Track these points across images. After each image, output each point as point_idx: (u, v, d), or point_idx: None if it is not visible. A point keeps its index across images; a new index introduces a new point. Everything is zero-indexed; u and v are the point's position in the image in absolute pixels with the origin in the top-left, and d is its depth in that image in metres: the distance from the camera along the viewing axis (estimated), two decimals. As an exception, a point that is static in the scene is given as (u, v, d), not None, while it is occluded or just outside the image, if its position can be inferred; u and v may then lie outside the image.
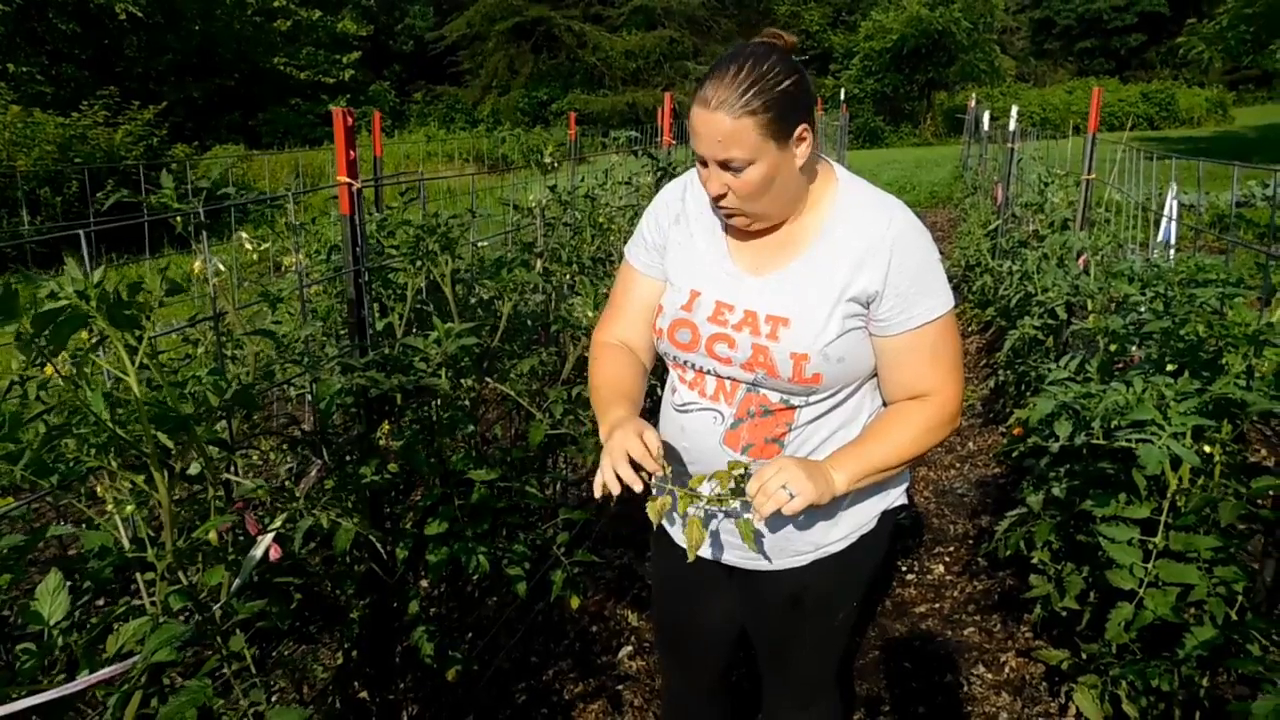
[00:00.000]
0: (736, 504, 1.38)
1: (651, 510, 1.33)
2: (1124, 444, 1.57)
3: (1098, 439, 1.74)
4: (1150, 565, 1.77)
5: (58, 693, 1.00)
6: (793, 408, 1.45)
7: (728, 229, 1.51)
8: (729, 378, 1.47)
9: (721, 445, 1.49)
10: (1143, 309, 1.94)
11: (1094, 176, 3.46)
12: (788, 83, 1.30)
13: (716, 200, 1.39)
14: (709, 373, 1.49)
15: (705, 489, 1.41)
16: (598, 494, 1.34)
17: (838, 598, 1.64)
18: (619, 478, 1.31)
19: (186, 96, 21.38)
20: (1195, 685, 1.85)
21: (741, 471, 1.36)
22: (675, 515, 1.61)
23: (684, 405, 1.53)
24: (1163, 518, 1.75)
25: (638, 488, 1.31)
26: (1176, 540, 1.74)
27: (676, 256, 1.54)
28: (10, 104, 11.73)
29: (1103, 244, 2.73)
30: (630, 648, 2.77)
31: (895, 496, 1.61)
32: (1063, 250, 3.35)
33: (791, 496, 1.29)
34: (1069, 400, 1.79)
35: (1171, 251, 2.75)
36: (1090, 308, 2.44)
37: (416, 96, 29.38)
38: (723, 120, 1.29)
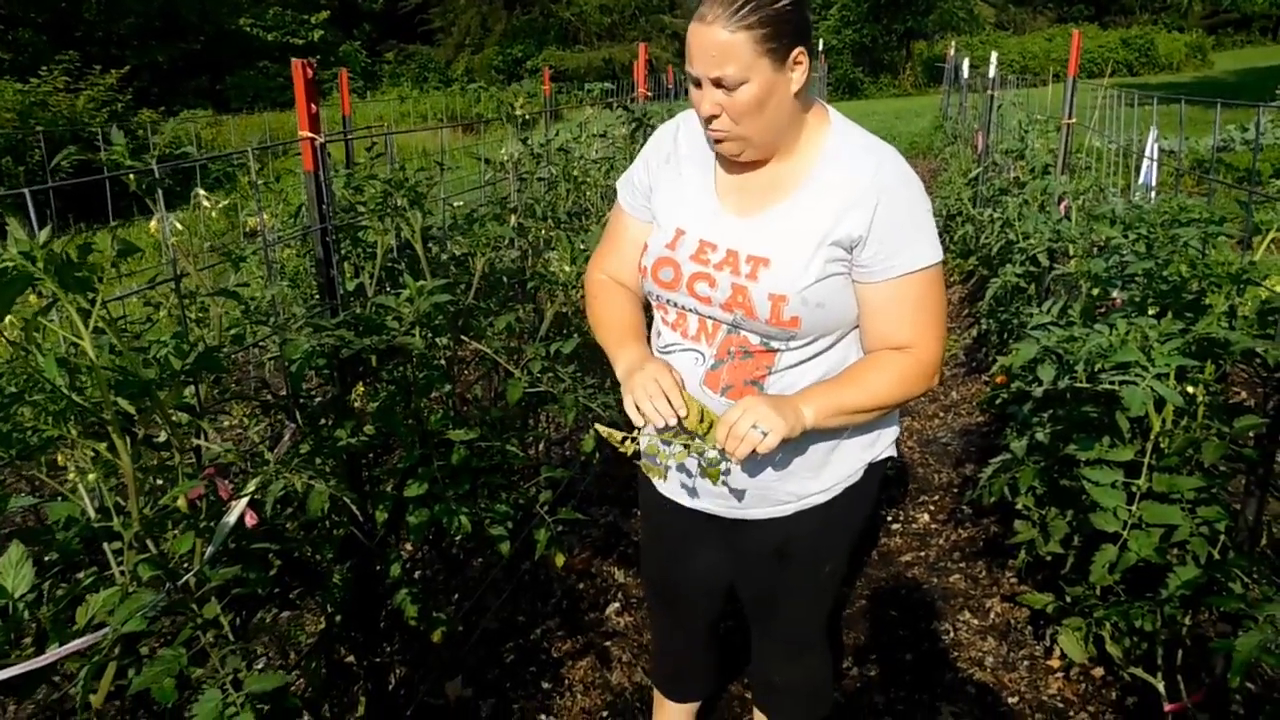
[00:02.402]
0: (713, 453, 1.36)
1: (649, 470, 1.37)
2: (1107, 386, 1.57)
3: (1081, 382, 1.73)
4: (1134, 507, 1.78)
5: (25, 667, 0.97)
6: (773, 351, 1.44)
7: (718, 167, 1.49)
8: (710, 318, 1.46)
9: (701, 386, 1.49)
10: (1125, 251, 1.93)
11: (1074, 121, 3.42)
12: (786, 2, 1.28)
13: (708, 122, 1.36)
14: (690, 311, 1.48)
15: (675, 446, 1.41)
16: (637, 423, 1.38)
17: (823, 549, 1.64)
18: (656, 410, 1.35)
19: (150, 61, 20.76)
20: (1178, 624, 1.87)
21: (710, 423, 1.36)
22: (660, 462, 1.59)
23: (666, 347, 1.53)
24: (1146, 460, 1.75)
25: (672, 421, 1.34)
26: (1160, 482, 1.75)
27: (664, 196, 1.52)
28: (-36, 71, 11.35)
29: (1084, 188, 2.70)
30: (618, 604, 2.78)
31: (882, 449, 1.60)
32: (1044, 196, 3.33)
33: (764, 435, 1.29)
34: (1052, 344, 1.78)
35: (1152, 195, 2.73)
36: (1072, 252, 2.43)
37: (388, 57, 28.69)
38: (718, 34, 1.27)
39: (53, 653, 0.99)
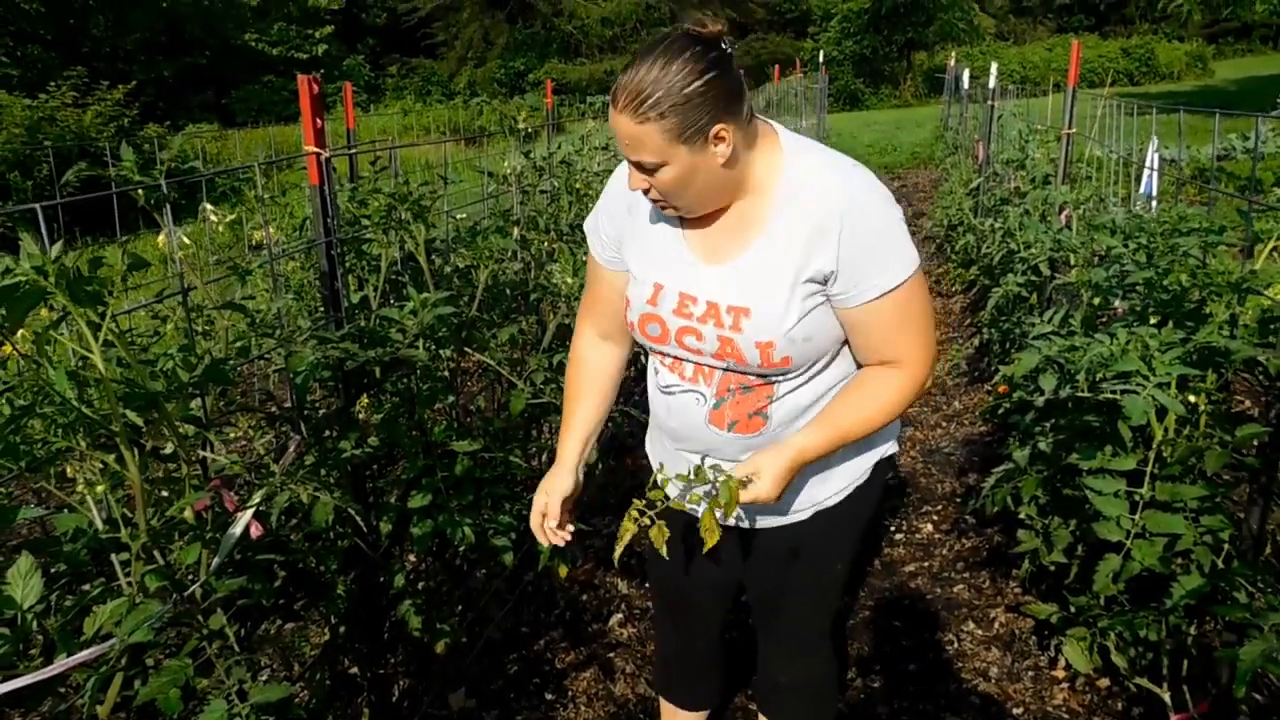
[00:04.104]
0: (703, 504, 1.38)
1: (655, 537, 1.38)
2: (1109, 396, 1.57)
3: (1083, 392, 1.73)
4: (1137, 516, 1.77)
5: (34, 677, 0.98)
6: (771, 383, 1.45)
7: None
8: (704, 364, 1.48)
9: (707, 424, 1.50)
10: (1125, 261, 1.93)
11: (1074, 131, 3.44)
12: (698, 84, 1.23)
13: (645, 194, 1.37)
14: (685, 359, 1.50)
15: (673, 490, 1.44)
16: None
17: (834, 549, 1.67)
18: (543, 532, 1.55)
19: (157, 75, 20.93)
20: (1182, 634, 1.87)
21: (709, 483, 1.37)
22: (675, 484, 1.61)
23: (667, 388, 1.54)
24: (1149, 469, 1.75)
25: (559, 541, 1.54)
26: (1163, 491, 1.75)
27: (634, 249, 1.51)
28: (-25, 87, 11.45)
29: (1085, 198, 2.71)
30: (621, 615, 2.78)
31: (887, 447, 1.63)
32: (1044, 206, 3.34)
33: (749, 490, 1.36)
34: (1053, 354, 1.79)
35: (1153, 204, 2.74)
36: (1073, 262, 2.43)
37: (391, 70, 28.87)
38: (627, 123, 1.26)
39: (60, 663, 0.99)
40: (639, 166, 1.31)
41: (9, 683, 0.94)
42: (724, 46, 1.28)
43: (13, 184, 10.05)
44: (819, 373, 1.47)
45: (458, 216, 2.57)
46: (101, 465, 1.12)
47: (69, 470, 1.16)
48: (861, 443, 1.52)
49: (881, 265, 1.34)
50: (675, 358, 1.51)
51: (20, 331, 0.96)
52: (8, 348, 0.95)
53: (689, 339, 1.45)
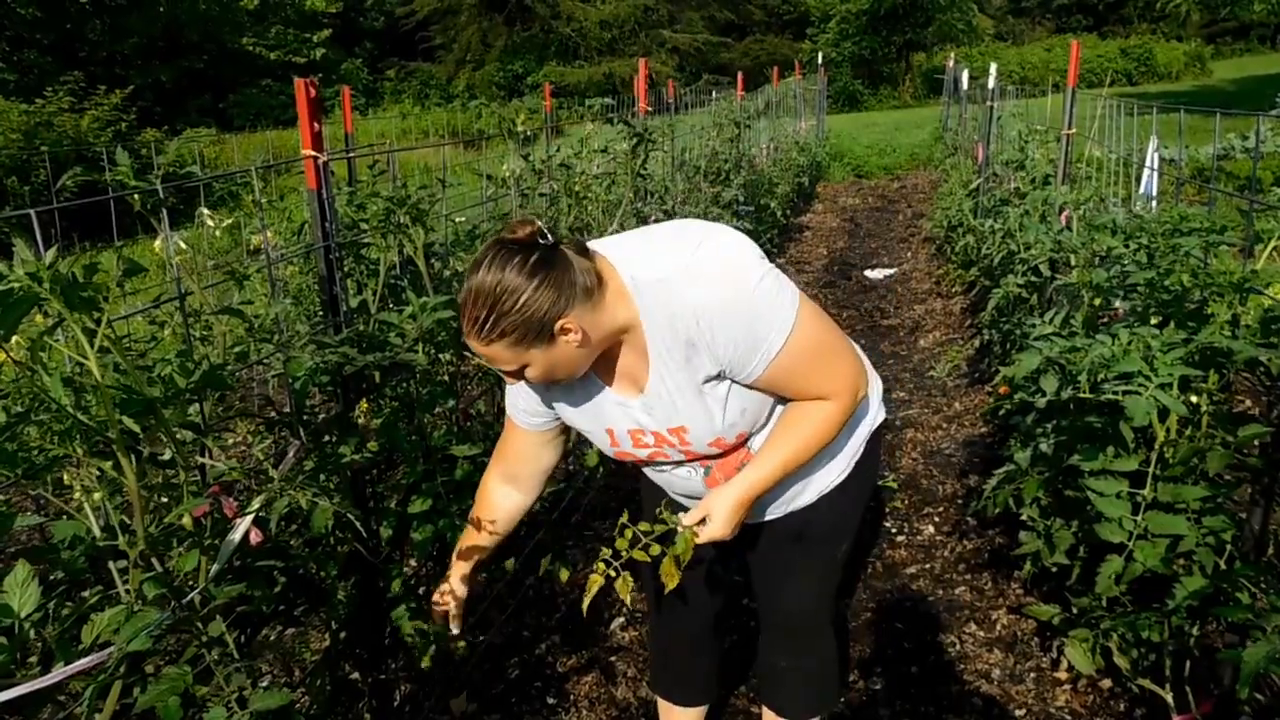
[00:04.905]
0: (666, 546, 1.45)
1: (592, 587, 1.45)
2: (1111, 396, 1.56)
3: (1084, 393, 1.73)
4: (1139, 518, 1.77)
5: (31, 686, 0.97)
6: (745, 441, 1.54)
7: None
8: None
9: (705, 488, 1.59)
10: (1126, 261, 1.93)
11: (1074, 131, 3.43)
12: (526, 294, 1.25)
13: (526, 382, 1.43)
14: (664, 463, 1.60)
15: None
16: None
17: (841, 528, 1.73)
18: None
19: (154, 80, 20.93)
20: (1185, 635, 1.86)
21: (668, 528, 1.45)
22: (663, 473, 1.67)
23: (661, 469, 1.63)
24: (1151, 469, 1.74)
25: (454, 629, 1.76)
26: (1165, 491, 1.75)
27: (565, 410, 1.57)
28: (-29, 92, 11.45)
29: (1085, 198, 2.71)
30: (622, 619, 2.77)
31: (875, 417, 1.68)
32: (1044, 206, 3.33)
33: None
34: (1054, 355, 1.78)
35: (1153, 204, 2.74)
36: (1073, 263, 2.43)
37: (389, 74, 28.87)
38: (476, 345, 1.32)
39: (58, 672, 0.98)
40: (504, 373, 1.38)
41: (7, 691, 0.93)
42: (542, 241, 1.30)
43: (9, 189, 10.04)
44: (775, 407, 1.53)
45: (457, 220, 2.57)
46: (99, 472, 1.11)
47: (66, 477, 1.16)
48: (850, 420, 1.56)
49: (757, 343, 1.36)
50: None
51: (15, 338, 0.95)
52: (2, 355, 0.94)
53: (658, 458, 1.56)
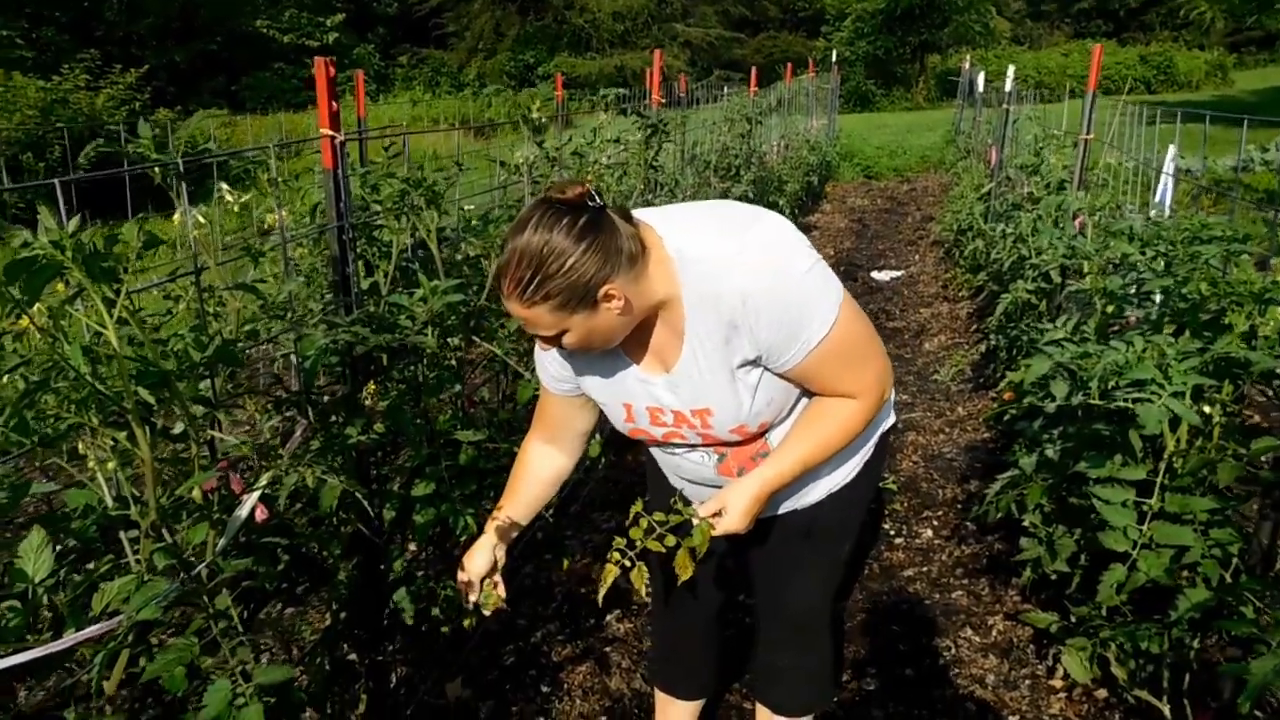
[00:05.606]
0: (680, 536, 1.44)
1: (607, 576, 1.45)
2: (1122, 404, 1.56)
3: (1094, 399, 1.72)
4: (1145, 527, 1.77)
5: (43, 651, 0.97)
6: (763, 432, 1.52)
7: None
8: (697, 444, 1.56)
9: (717, 475, 1.57)
10: (1142, 268, 1.92)
11: (1092, 137, 3.42)
12: (571, 260, 1.23)
13: (559, 349, 1.41)
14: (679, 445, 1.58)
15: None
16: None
17: (847, 526, 1.73)
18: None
19: (168, 60, 20.91)
20: (1186, 647, 1.86)
21: (683, 520, 1.44)
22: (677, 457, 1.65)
23: (673, 452, 1.60)
24: (1159, 479, 1.74)
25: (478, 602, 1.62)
26: (1172, 502, 1.74)
27: (591, 381, 1.55)
28: (-11, 68, 11.45)
29: (1102, 204, 2.69)
30: (618, 610, 2.78)
31: (888, 421, 1.68)
32: (1058, 212, 3.32)
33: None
34: (1065, 360, 1.78)
35: (1167, 213, 2.73)
36: (1087, 269, 2.42)
37: (401, 60, 28.79)
38: (516, 307, 1.29)
39: (70, 637, 0.99)
40: (541, 338, 1.35)
41: (19, 655, 0.93)
42: (591, 204, 1.27)
43: (25, 165, 10.05)
44: (799, 400, 1.52)
45: (466, 208, 2.56)
46: (113, 442, 1.11)
47: (81, 447, 1.16)
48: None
49: (798, 332, 1.35)
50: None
51: (35, 306, 0.95)
52: (24, 321, 0.95)
53: (674, 438, 1.54)
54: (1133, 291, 1.97)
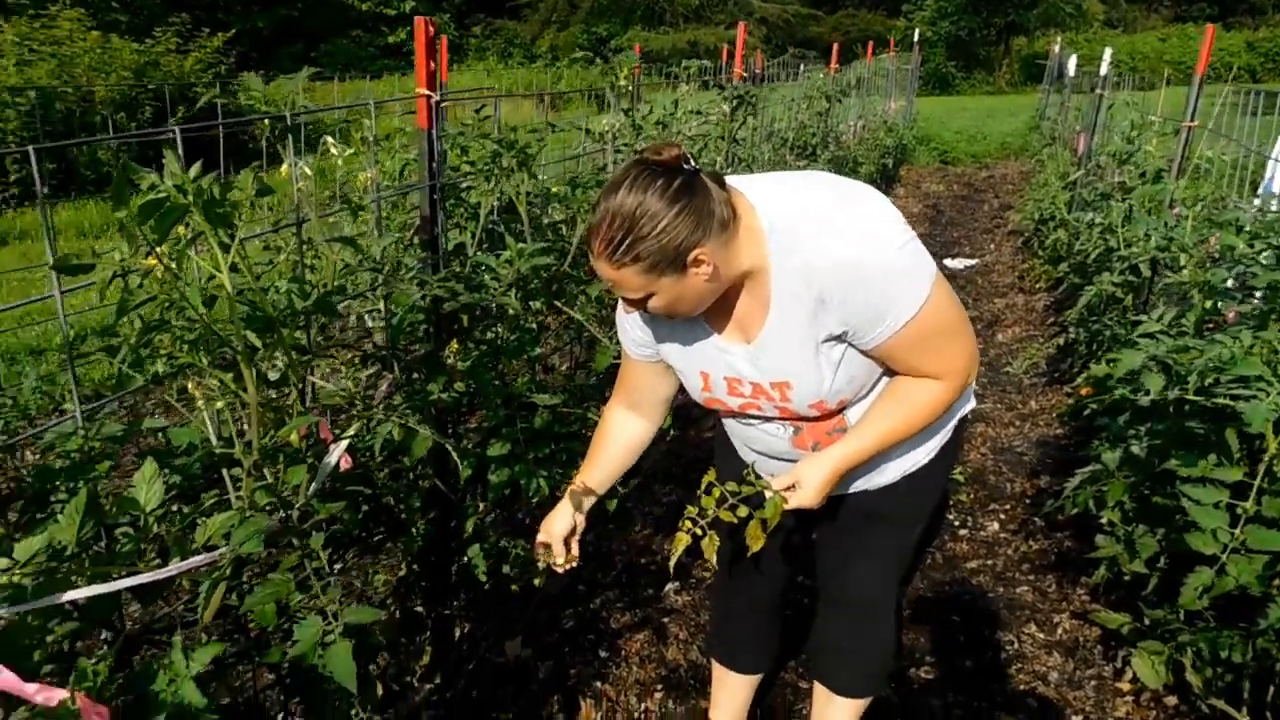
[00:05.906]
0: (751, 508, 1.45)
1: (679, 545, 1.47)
2: (1225, 401, 1.50)
3: (1191, 395, 1.65)
4: (1237, 530, 1.70)
5: (151, 576, 1.03)
6: (842, 409, 1.50)
7: None
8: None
9: (792, 448, 1.56)
10: (1249, 262, 1.83)
11: (1196, 124, 3.25)
12: (666, 219, 1.22)
13: (643, 312, 1.41)
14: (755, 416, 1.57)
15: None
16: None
17: (918, 510, 1.71)
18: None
19: (251, 26, 21.43)
20: (1271, 659, 1.79)
21: (755, 492, 1.45)
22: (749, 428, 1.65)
23: (748, 423, 1.59)
24: (1257, 481, 1.67)
25: (559, 570, 1.63)
26: (1270, 506, 1.67)
27: (671, 348, 1.54)
28: (90, 29, 11.86)
29: (1205, 195, 2.57)
30: (676, 583, 2.80)
31: (967, 405, 1.65)
32: (1153, 203, 3.18)
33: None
34: (1160, 354, 1.71)
35: (1274, 203, 2.59)
36: (1183, 262, 2.32)
37: (475, 30, 28.97)
38: (605, 268, 1.28)
39: (175, 565, 1.04)
40: (626, 300, 1.35)
41: (131, 578, 0.99)
42: (685, 166, 1.26)
43: (119, 125, 10.44)
44: (880, 379, 1.50)
45: (540, 178, 2.58)
46: (219, 384, 1.16)
47: (189, 387, 1.21)
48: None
49: (887, 308, 1.32)
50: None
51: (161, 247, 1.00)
52: (151, 260, 0.99)
53: (750, 410, 1.53)
54: (1237, 285, 1.88)
